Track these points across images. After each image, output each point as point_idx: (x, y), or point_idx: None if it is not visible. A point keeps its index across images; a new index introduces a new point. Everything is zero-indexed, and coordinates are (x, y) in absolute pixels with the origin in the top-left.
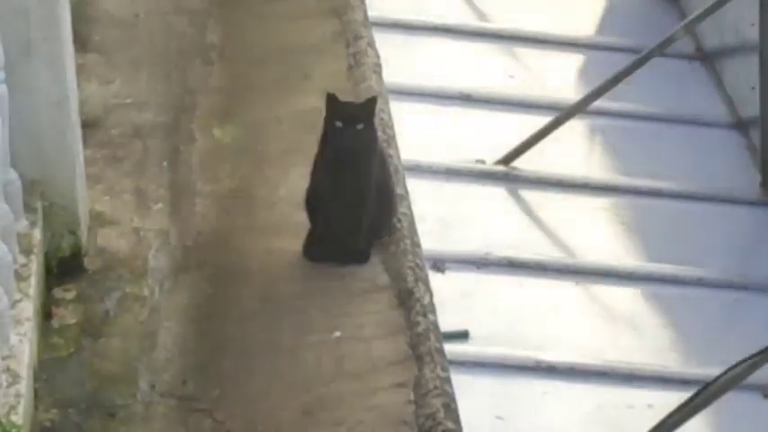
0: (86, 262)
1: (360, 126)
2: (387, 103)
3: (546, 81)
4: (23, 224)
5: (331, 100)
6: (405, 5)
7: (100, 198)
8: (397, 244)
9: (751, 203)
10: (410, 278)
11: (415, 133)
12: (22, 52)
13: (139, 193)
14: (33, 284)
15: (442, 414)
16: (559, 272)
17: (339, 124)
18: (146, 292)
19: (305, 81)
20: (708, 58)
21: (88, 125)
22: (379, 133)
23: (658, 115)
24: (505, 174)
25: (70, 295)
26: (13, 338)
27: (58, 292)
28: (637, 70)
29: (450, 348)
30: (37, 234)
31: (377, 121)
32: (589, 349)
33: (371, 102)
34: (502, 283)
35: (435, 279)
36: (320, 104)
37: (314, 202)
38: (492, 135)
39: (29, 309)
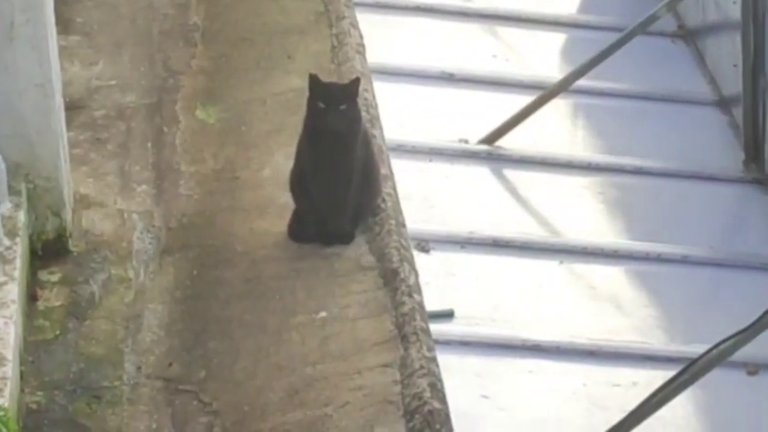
0: (71, 244)
1: (343, 107)
2: (370, 84)
3: (529, 60)
4: (8, 206)
5: (313, 80)
6: None
7: (84, 180)
8: (381, 224)
9: (734, 181)
10: (395, 258)
11: (398, 113)
12: (4, 35)
13: (123, 175)
14: (18, 267)
15: (428, 393)
16: (543, 251)
17: (322, 105)
18: (131, 274)
19: (288, 61)
20: (690, 36)
21: (72, 107)
22: (363, 113)
23: (641, 94)
24: (489, 153)
25: (55, 277)
26: None
27: (43, 275)
28: (619, 49)
29: (436, 328)
30: (21, 216)
31: (361, 101)
32: (574, 328)
33: (355, 82)
34: (486, 262)
35: (420, 259)
36: (304, 85)
37: (298, 182)
38: (475, 114)
39: (14, 291)
